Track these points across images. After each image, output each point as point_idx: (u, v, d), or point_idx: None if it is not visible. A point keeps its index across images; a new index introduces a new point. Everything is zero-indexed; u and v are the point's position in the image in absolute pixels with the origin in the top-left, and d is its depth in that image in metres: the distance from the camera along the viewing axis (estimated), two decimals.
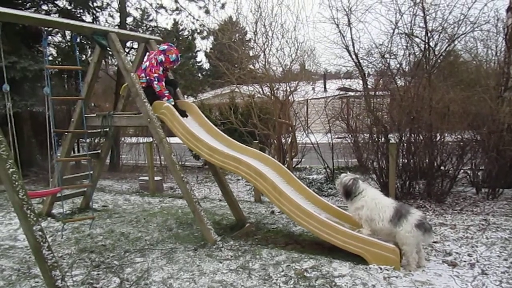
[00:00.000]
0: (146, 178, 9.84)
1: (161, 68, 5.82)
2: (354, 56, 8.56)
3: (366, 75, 8.98)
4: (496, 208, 6.86)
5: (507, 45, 8.54)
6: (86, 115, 6.31)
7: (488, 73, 9.39)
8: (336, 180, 5.09)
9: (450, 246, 5.01)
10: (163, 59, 5.84)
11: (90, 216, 6.13)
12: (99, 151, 7.47)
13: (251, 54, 11.60)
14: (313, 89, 14.17)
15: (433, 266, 4.44)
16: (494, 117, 7.32)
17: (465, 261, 4.52)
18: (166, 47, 5.93)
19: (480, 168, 7.92)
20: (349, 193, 4.76)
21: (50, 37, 12.48)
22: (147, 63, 5.92)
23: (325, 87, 20.77)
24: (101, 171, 7.65)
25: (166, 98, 5.82)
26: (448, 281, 4.03)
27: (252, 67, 10.63)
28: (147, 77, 5.84)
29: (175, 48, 6.00)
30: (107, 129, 6.67)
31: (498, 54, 9.36)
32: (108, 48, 6.21)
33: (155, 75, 5.79)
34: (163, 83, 5.85)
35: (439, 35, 8.00)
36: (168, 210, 7.32)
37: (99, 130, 6.60)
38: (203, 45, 28.91)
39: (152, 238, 5.63)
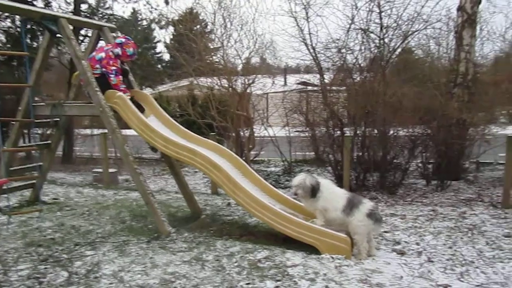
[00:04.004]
0: (101, 170, 9.59)
1: (118, 61, 5.68)
2: (311, 50, 8.65)
3: (325, 69, 9.11)
4: (444, 199, 7.15)
5: (456, 43, 8.90)
6: (34, 104, 6.04)
7: (439, 70, 9.76)
8: (293, 188, 4.79)
9: (399, 236, 5.17)
10: (120, 53, 5.68)
11: (37, 208, 5.90)
12: (49, 141, 7.18)
13: (212, 46, 11.50)
14: (273, 82, 14.23)
15: (383, 254, 4.57)
16: (444, 112, 7.61)
17: (413, 250, 4.68)
18: (123, 40, 5.75)
19: (430, 161, 8.23)
20: (316, 190, 4.66)
21: None
22: (103, 54, 5.69)
23: (285, 81, 20.87)
24: (51, 163, 7.35)
25: (121, 92, 5.65)
26: (396, 268, 4.16)
27: (212, 59, 10.56)
28: (103, 69, 5.65)
29: (133, 41, 5.84)
30: (58, 119, 6.43)
31: (448, 51, 9.74)
32: (59, 35, 5.96)
33: (113, 68, 5.63)
34: (121, 76, 5.70)
35: (394, 32, 8.22)
36: (122, 203, 7.16)
37: (48, 120, 6.35)
38: (161, 35, 28.40)
39: (104, 231, 5.48)
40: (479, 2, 8.88)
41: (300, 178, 4.74)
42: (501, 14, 12.39)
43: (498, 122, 10.61)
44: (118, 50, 5.68)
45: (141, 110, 5.77)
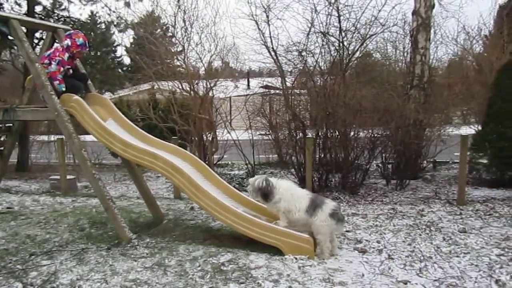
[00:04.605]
0: (58, 177, 9.25)
1: (66, 54, 5.46)
2: (273, 53, 8.70)
3: (288, 73, 9.19)
4: (403, 197, 7.35)
5: (412, 46, 9.19)
6: None
7: (396, 72, 10.06)
8: (247, 188, 4.97)
9: (361, 234, 5.26)
10: (69, 43, 5.48)
11: None
12: (2, 148, 6.85)
13: (173, 49, 11.37)
14: (236, 86, 14.23)
15: (345, 253, 4.63)
16: (401, 113, 7.83)
17: (374, 248, 4.77)
18: (72, 31, 5.63)
19: (390, 161, 8.43)
20: (267, 194, 4.71)
21: None
22: (52, 50, 5.53)
23: (248, 84, 20.97)
24: (5, 170, 7.01)
25: (57, 82, 5.40)
26: (358, 267, 4.23)
27: (173, 63, 10.45)
28: (50, 61, 5.44)
29: (83, 34, 5.68)
30: (11, 124, 6.15)
31: (405, 54, 10.06)
32: (10, 37, 5.72)
33: (58, 58, 5.41)
34: (62, 68, 5.44)
35: (352, 35, 8.39)
36: (81, 210, 6.93)
37: (0, 125, 6.06)
38: (121, 38, 27.87)
39: (62, 239, 5.28)
40: (433, 7, 9.22)
41: (252, 179, 4.88)
42: (453, 19, 12.95)
43: (453, 123, 11.05)
44: (67, 41, 5.50)
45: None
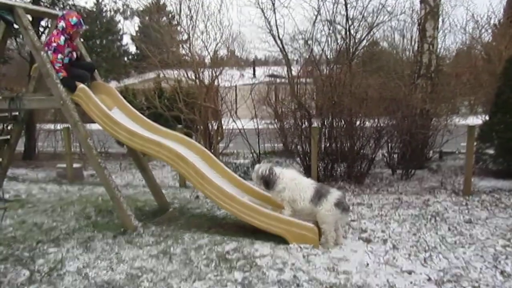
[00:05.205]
0: (64, 165, 9.31)
1: (62, 38, 5.33)
2: (279, 42, 8.64)
3: (294, 61, 9.15)
4: (408, 187, 7.33)
5: (420, 35, 9.08)
6: None
7: (404, 61, 9.97)
8: (252, 174, 5.03)
9: (366, 224, 5.26)
10: (64, 25, 5.36)
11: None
12: (8, 136, 6.89)
13: (179, 38, 11.32)
14: (242, 74, 14.17)
15: (350, 243, 4.63)
16: (408, 103, 7.76)
17: (378, 237, 4.77)
18: (65, 12, 5.52)
19: (395, 151, 8.39)
20: (269, 182, 4.74)
21: None
22: (49, 37, 5.49)
23: (254, 73, 20.89)
24: (11, 159, 7.05)
25: (56, 71, 5.34)
26: (363, 256, 4.23)
27: (179, 52, 10.42)
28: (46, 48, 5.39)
29: (76, 13, 5.61)
30: (17, 113, 6.17)
31: (412, 43, 9.95)
32: (15, 25, 5.71)
33: (54, 44, 5.31)
34: (60, 54, 5.33)
35: (359, 23, 8.31)
36: (88, 198, 6.98)
37: (6, 114, 6.08)
38: (126, 26, 27.81)
39: (68, 227, 5.33)
40: None
41: (257, 166, 4.91)
42: (462, 7, 12.78)
43: (460, 113, 10.95)
44: (62, 23, 5.38)
45: None
